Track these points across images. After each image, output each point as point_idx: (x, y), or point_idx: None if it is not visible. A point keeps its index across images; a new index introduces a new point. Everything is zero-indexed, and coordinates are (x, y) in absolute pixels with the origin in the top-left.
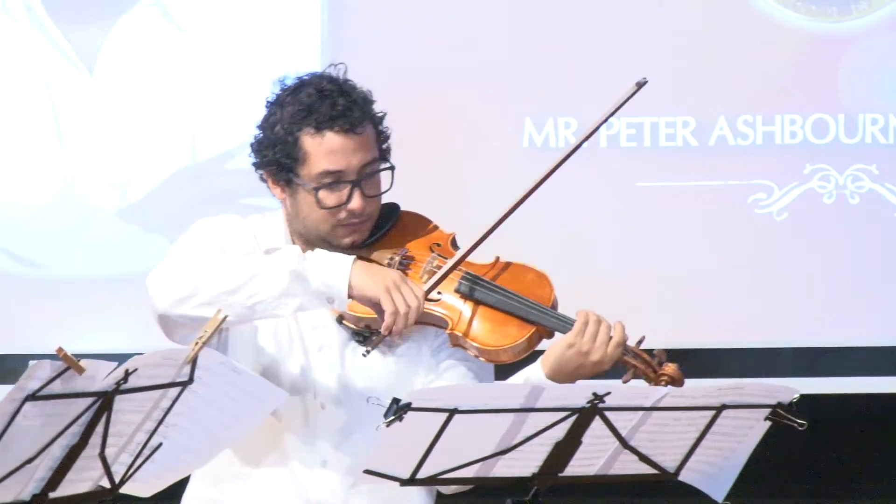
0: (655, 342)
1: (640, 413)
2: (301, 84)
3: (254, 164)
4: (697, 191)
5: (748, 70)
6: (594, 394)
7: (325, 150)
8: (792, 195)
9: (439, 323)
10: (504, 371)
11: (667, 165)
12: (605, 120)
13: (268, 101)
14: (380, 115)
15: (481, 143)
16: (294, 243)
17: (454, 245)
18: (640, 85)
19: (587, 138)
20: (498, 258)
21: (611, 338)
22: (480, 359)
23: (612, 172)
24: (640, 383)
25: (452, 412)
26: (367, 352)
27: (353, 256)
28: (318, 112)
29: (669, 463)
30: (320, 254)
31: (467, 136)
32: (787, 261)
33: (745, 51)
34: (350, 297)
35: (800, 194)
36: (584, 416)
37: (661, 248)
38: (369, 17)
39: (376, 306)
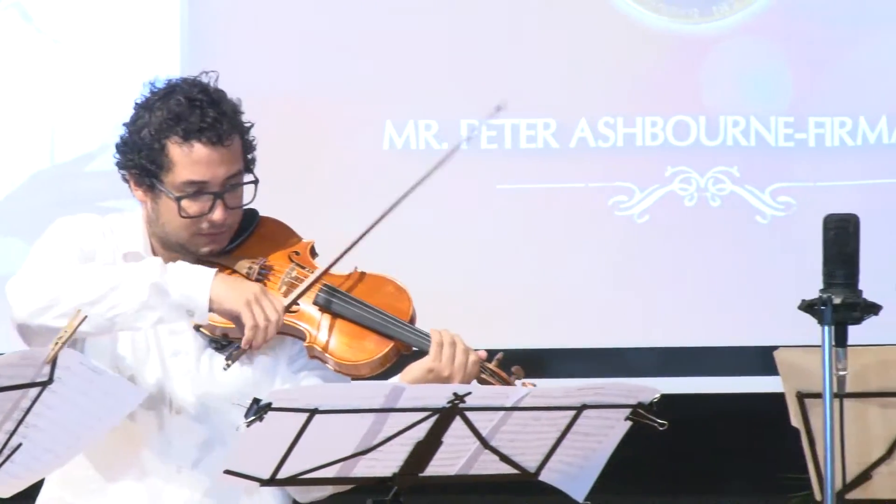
0: (515, 344)
1: (501, 413)
2: (171, 90)
3: (117, 163)
4: (558, 193)
5: (609, 72)
6: (455, 394)
7: (191, 160)
8: (653, 197)
9: (297, 335)
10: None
11: (528, 168)
12: (459, 145)
13: (136, 103)
14: (248, 125)
15: (342, 146)
16: (152, 245)
17: (313, 253)
18: (499, 109)
19: (444, 160)
20: (357, 269)
21: (468, 358)
22: (338, 372)
23: (473, 175)
24: None
25: (313, 412)
26: (228, 365)
27: (215, 270)
28: (187, 121)
29: (530, 463)
30: (181, 266)
31: (328, 140)
32: (648, 263)
33: (606, 52)
34: (211, 310)
35: (661, 196)
36: (445, 416)
37: (522, 250)
38: (229, 19)
39: (236, 320)
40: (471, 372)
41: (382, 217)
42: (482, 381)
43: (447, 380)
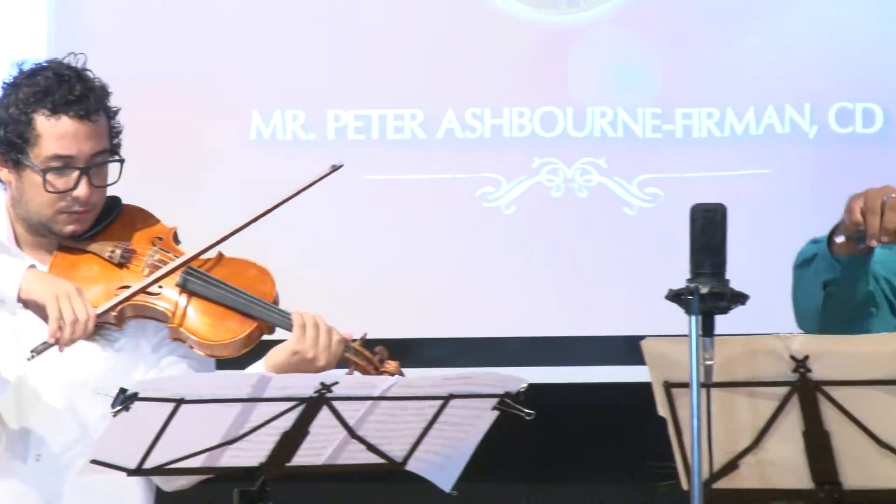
0: (382, 333)
1: (368, 403)
2: (39, 68)
3: None
4: (426, 184)
5: (476, 62)
6: (322, 383)
7: (57, 133)
8: (520, 188)
9: (160, 317)
10: (225, 367)
11: (395, 158)
12: (299, 193)
13: (3, 83)
14: (114, 109)
15: (208, 135)
16: (15, 232)
17: (175, 239)
18: (336, 168)
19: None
20: (221, 253)
21: (331, 338)
22: (201, 353)
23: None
24: None
25: (179, 402)
26: (31, 357)
27: (30, 264)
28: (55, 95)
29: (397, 453)
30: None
31: (194, 129)
32: (516, 254)
33: (473, 43)
34: (19, 300)
35: (528, 188)
36: (312, 405)
37: (389, 241)
38: (95, 7)
39: (42, 311)
40: (335, 352)
41: (257, 218)
42: (347, 361)
43: (312, 361)
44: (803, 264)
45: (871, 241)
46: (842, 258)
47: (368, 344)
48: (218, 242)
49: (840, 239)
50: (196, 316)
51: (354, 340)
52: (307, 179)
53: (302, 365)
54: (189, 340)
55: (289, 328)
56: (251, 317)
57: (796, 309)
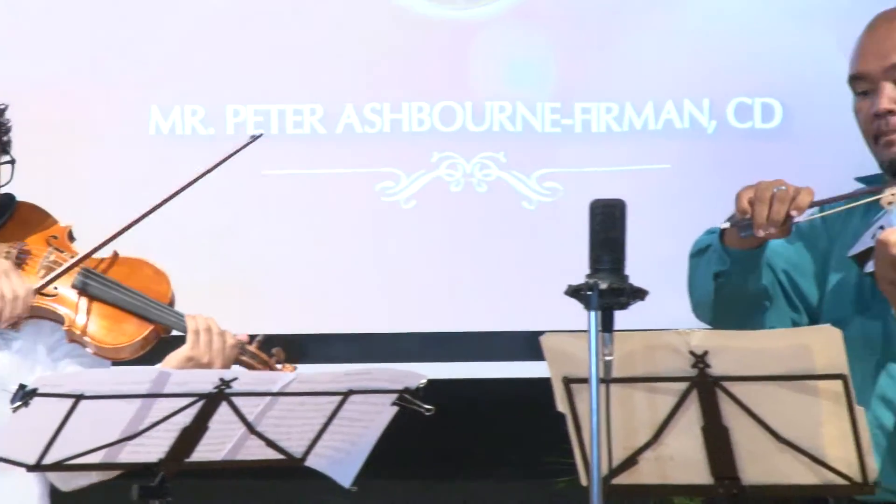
0: (282, 330)
1: (268, 398)
2: None
3: None
4: (325, 179)
5: (376, 57)
6: (221, 379)
7: None
8: (420, 183)
9: (56, 318)
10: None
11: (294, 153)
12: (216, 166)
13: None
14: (1, 107)
15: (107, 131)
16: None
17: (71, 238)
18: (255, 138)
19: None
20: (116, 253)
21: (225, 342)
22: (98, 356)
23: (239, 160)
24: None
25: (79, 398)
26: None
27: None
28: None
29: (296, 448)
30: None
31: (91, 125)
32: (415, 248)
33: (373, 38)
34: None
35: (427, 182)
36: (211, 401)
37: (288, 236)
38: None
39: None
40: (229, 356)
41: (154, 209)
42: (243, 364)
43: (207, 366)
44: (697, 254)
45: (758, 230)
46: (732, 251)
47: (268, 343)
48: (113, 238)
49: (725, 225)
50: (93, 319)
51: (251, 342)
52: (224, 153)
53: (197, 369)
54: (86, 343)
55: (185, 331)
56: (148, 319)
57: (691, 299)
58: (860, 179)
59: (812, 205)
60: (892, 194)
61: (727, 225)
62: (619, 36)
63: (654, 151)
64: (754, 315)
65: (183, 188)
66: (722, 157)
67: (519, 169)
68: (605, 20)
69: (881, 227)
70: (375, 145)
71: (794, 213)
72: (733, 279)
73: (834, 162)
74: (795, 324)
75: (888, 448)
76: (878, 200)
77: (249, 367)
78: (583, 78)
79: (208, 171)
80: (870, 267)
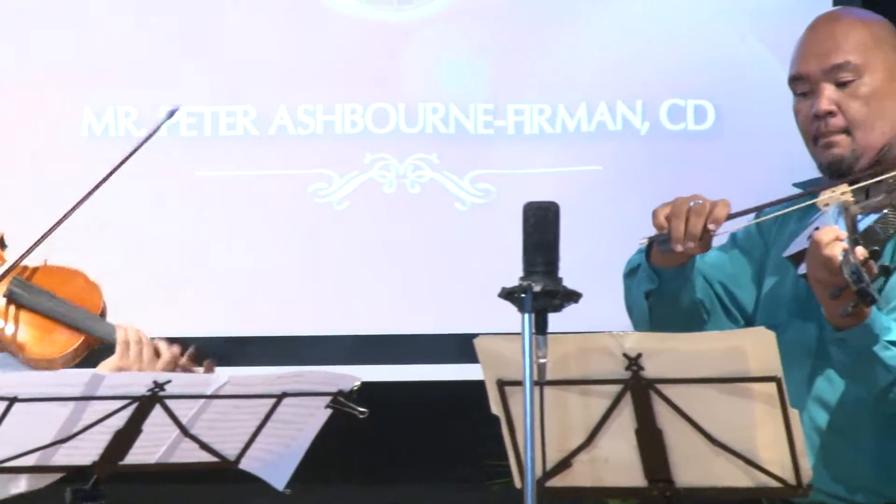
0: (214, 332)
1: (201, 401)
2: None
3: None
4: (258, 180)
5: (309, 59)
6: (154, 382)
7: None
8: (353, 184)
9: None
10: None
11: (228, 155)
12: (142, 144)
13: None
14: None
15: (38, 133)
16: None
17: (2, 244)
18: (172, 113)
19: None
20: (46, 262)
21: (160, 353)
22: (29, 366)
23: (172, 162)
24: None
25: (12, 400)
26: None
27: None
28: None
29: (230, 451)
30: None
31: (23, 126)
32: (348, 250)
33: (306, 39)
34: None
35: (360, 183)
36: (145, 404)
37: (221, 238)
38: None
39: None
40: (160, 370)
41: (76, 207)
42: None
43: None
44: (630, 274)
45: (676, 245)
46: (660, 269)
47: (200, 352)
48: (39, 242)
49: (644, 241)
50: (23, 329)
51: (183, 355)
52: (144, 134)
53: None
54: (16, 354)
55: (115, 342)
56: (79, 330)
57: (630, 318)
58: (798, 185)
59: (748, 211)
60: (829, 196)
61: (646, 241)
62: (551, 38)
63: (588, 153)
64: (692, 329)
65: (105, 179)
66: (655, 158)
67: (452, 170)
68: (537, 22)
69: (817, 228)
70: (308, 147)
71: (711, 226)
72: (664, 297)
73: (766, 163)
74: None
75: (822, 450)
76: (814, 203)
77: None
78: (515, 80)
79: (130, 156)
80: (804, 268)
